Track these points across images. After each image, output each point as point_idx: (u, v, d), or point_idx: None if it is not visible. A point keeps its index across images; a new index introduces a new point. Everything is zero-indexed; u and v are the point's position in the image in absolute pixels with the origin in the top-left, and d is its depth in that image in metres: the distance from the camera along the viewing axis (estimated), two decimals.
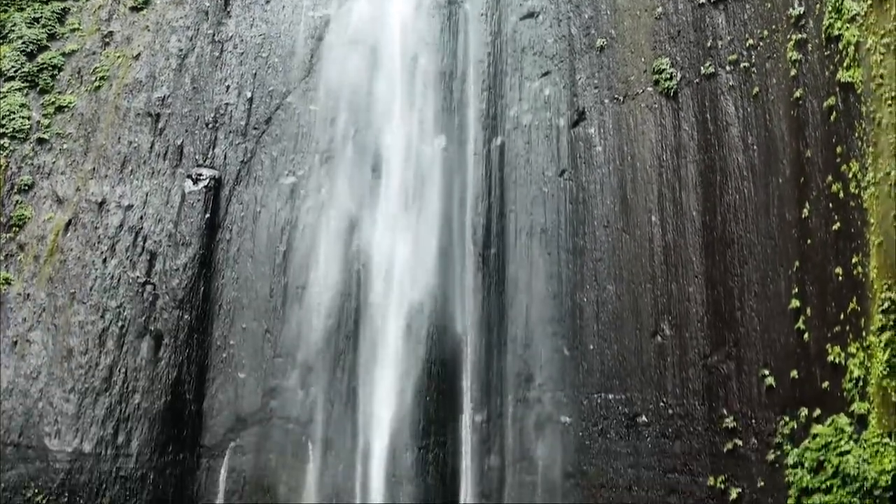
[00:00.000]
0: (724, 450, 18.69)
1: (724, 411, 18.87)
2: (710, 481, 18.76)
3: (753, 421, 18.49)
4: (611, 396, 20.32)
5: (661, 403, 19.69)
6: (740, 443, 18.53)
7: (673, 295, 19.98)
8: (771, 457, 18.00)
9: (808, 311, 17.81)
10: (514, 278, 21.88)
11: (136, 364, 22.29)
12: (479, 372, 21.76)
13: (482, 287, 22.17)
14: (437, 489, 21.18)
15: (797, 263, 18.21)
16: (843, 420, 16.65)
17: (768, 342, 18.51)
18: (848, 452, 16.22)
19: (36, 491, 21.44)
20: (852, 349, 16.62)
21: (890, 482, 15.07)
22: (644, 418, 19.86)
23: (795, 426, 17.67)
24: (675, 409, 19.50)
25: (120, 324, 22.60)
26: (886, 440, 15.52)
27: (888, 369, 15.60)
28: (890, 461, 15.29)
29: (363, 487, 21.45)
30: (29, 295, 23.08)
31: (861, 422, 16.27)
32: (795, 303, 18.03)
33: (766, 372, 18.36)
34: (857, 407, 16.33)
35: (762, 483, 18.06)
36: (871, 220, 16.40)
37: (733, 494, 18.40)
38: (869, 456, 15.64)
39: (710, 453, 18.95)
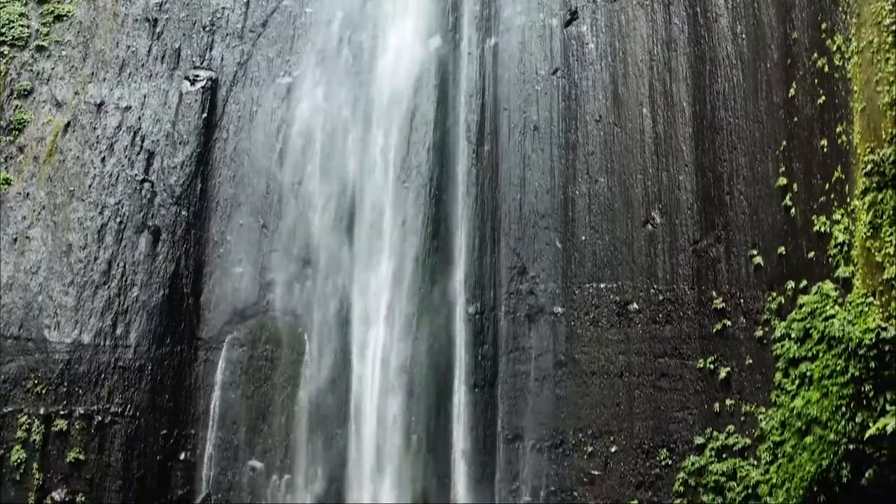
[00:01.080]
0: (713, 331, 19.02)
1: (714, 294, 19.18)
2: (700, 363, 19.07)
3: (742, 301, 18.82)
4: (602, 286, 20.59)
5: (652, 290, 19.98)
6: (729, 323, 18.84)
7: (663, 184, 20.27)
8: (759, 333, 18.33)
9: (795, 186, 18.14)
10: (508, 174, 22.09)
11: (134, 258, 22.55)
12: (473, 265, 21.97)
13: (476, 182, 22.38)
14: (432, 378, 21.42)
15: (784, 143, 18.54)
16: (828, 286, 16.95)
17: (756, 223, 18.84)
18: (833, 316, 16.45)
19: (36, 382, 21.70)
20: (837, 216, 16.91)
21: (874, 340, 15.16)
22: (635, 305, 20.14)
23: (783, 300, 18.00)
24: (665, 294, 19.80)
25: (118, 220, 22.84)
26: (870, 300, 15.65)
27: (871, 230, 15.81)
28: (874, 320, 15.40)
29: (358, 378, 21.73)
30: (28, 194, 23.31)
31: (845, 285, 16.56)
32: (782, 181, 18.36)
33: (755, 252, 18.69)
34: (842, 271, 16.63)
35: (750, 360, 18.37)
36: (855, 89, 16.68)
37: (722, 374, 18.73)
38: (853, 317, 15.79)
39: (699, 336, 19.26)
